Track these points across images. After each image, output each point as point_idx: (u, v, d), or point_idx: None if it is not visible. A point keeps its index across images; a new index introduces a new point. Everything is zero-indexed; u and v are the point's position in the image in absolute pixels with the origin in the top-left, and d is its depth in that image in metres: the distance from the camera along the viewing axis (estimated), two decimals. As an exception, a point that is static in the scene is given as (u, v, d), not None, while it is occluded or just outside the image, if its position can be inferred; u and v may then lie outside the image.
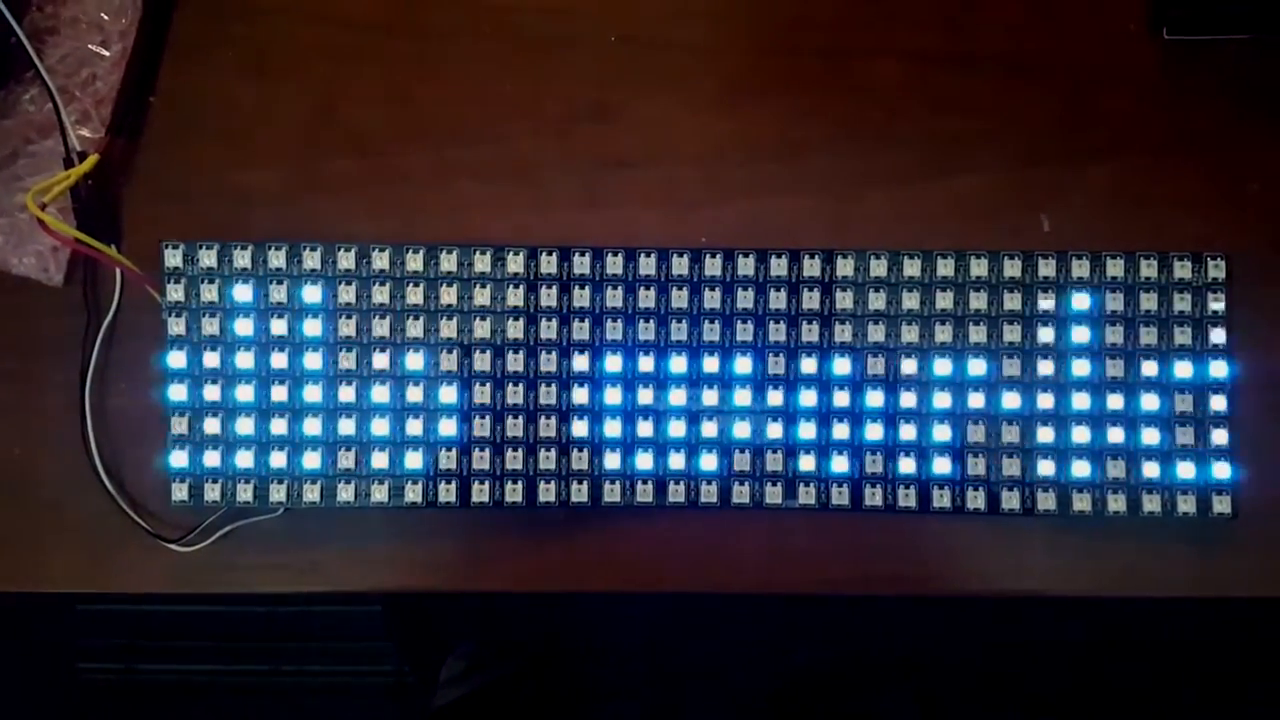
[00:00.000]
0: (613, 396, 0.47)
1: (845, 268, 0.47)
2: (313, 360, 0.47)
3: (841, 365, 0.47)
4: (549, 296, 0.47)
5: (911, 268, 0.47)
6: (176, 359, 0.47)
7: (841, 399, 0.47)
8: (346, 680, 1.03)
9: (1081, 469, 0.46)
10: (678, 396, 0.47)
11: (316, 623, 1.03)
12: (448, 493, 0.47)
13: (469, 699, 0.83)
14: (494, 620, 0.96)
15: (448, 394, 0.47)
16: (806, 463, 0.47)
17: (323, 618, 1.02)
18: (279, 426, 0.47)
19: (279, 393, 0.47)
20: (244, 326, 0.47)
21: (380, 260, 0.47)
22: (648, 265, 0.47)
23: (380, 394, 0.47)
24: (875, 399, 0.47)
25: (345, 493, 0.47)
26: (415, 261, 0.47)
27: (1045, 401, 0.47)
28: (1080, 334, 0.47)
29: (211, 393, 0.47)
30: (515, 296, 0.47)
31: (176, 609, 1.02)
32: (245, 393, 0.47)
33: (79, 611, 1.02)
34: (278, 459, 0.47)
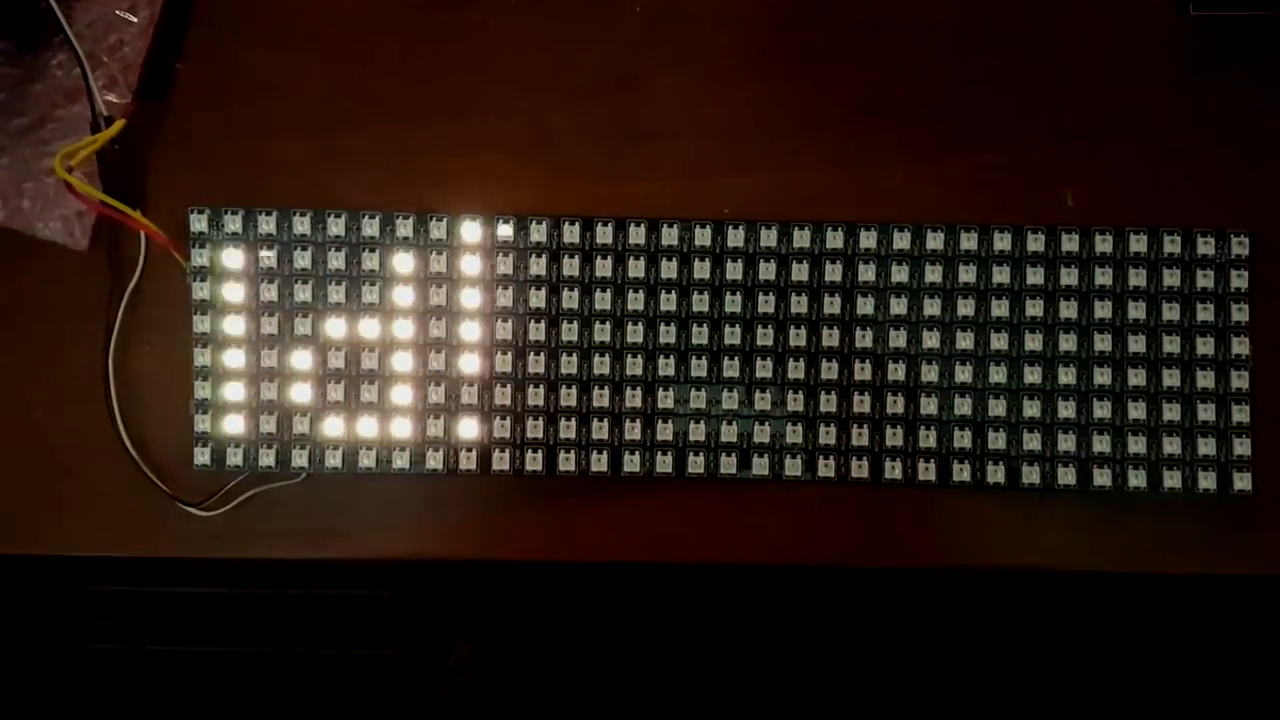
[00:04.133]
0: (633, 367, 0.47)
1: (868, 240, 0.47)
2: (335, 327, 0.47)
3: (863, 338, 0.47)
4: (571, 266, 0.47)
5: (935, 241, 0.47)
6: (200, 323, 0.47)
7: (863, 372, 0.47)
8: (354, 664, 1.03)
9: (1102, 444, 0.46)
10: (699, 368, 0.47)
11: (325, 606, 1.03)
12: (468, 460, 0.47)
13: (477, 684, 0.83)
14: (503, 606, 0.96)
15: (469, 362, 0.47)
16: (826, 435, 0.47)
17: (332, 601, 1.03)
18: (302, 392, 0.47)
19: (302, 358, 0.47)
20: (268, 292, 0.47)
21: (404, 228, 0.47)
22: (670, 236, 0.47)
23: (402, 361, 0.47)
24: (896, 372, 0.47)
25: (367, 459, 0.47)
26: (439, 230, 0.47)
27: (1067, 376, 0.46)
28: (1103, 309, 0.47)
29: (235, 357, 0.47)
30: (538, 266, 0.47)
31: (187, 590, 1.03)
32: (269, 358, 0.47)
33: (90, 591, 1.03)
34: (300, 424, 0.47)
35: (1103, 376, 0.46)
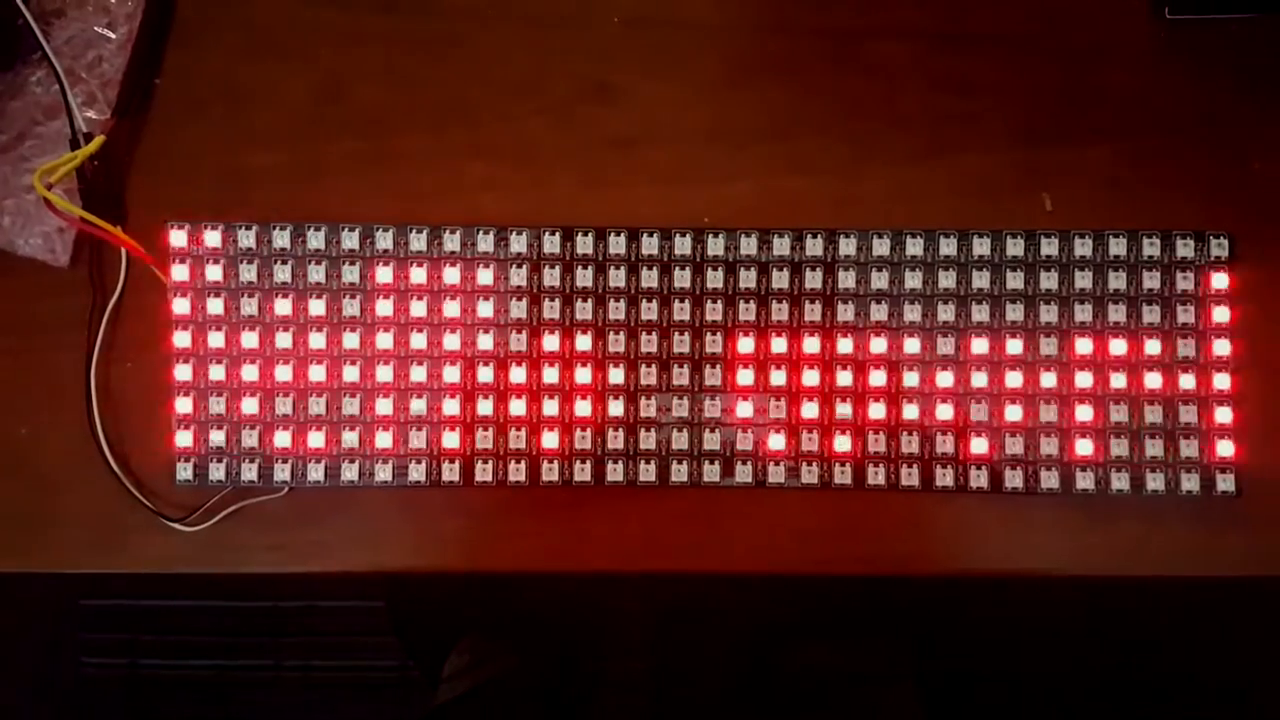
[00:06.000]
0: (615, 376, 0.47)
1: (848, 247, 0.47)
2: (317, 340, 0.47)
3: (844, 345, 0.47)
4: (552, 276, 0.47)
5: (914, 247, 0.47)
6: (181, 339, 0.47)
7: (844, 378, 0.47)
8: (350, 675, 1.03)
9: (1085, 447, 0.46)
10: (680, 376, 0.47)
11: (320, 618, 1.03)
12: (451, 472, 0.47)
13: (472, 694, 0.83)
14: (497, 615, 0.96)
15: (451, 373, 0.47)
16: (809, 442, 0.47)
17: (326, 612, 1.03)
18: (284, 406, 0.47)
19: (283, 372, 0.47)
20: (249, 306, 0.47)
21: (384, 240, 0.47)
22: (650, 245, 0.47)
23: (384, 373, 0.47)
24: (878, 378, 0.47)
25: (350, 472, 0.47)
26: (419, 242, 0.47)
27: (1048, 380, 0.47)
28: (1083, 313, 0.47)
29: (216, 372, 0.47)
30: (518, 276, 0.47)
31: (180, 603, 1.02)
32: (250, 372, 0.47)
33: (83, 606, 1.02)
34: (282, 438, 0.47)
35: (1084, 380, 0.47)
